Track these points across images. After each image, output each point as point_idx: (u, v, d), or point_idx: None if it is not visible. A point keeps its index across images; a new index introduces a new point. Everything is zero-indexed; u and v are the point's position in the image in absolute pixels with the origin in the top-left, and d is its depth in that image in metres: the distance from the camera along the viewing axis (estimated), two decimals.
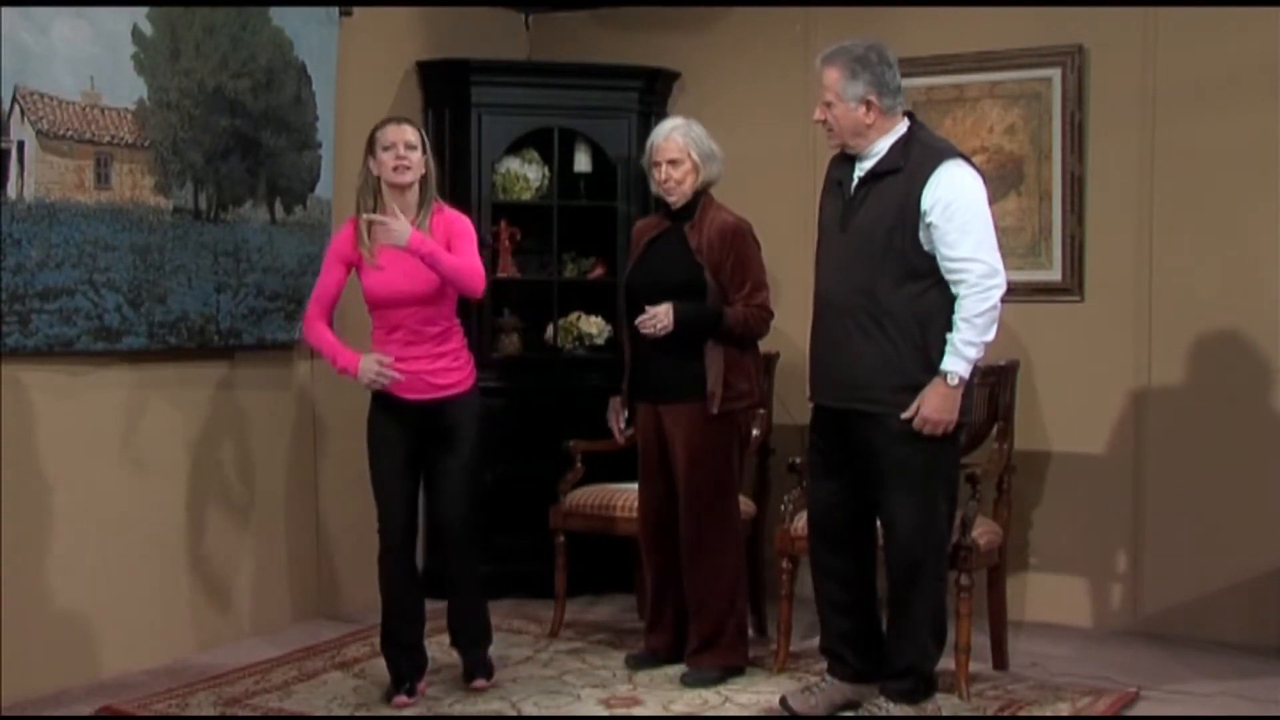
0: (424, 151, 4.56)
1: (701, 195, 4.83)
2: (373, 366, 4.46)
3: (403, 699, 4.59)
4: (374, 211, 4.50)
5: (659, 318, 4.66)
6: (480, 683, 4.76)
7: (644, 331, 4.69)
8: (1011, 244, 5.53)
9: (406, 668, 4.66)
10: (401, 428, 4.57)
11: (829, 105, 4.29)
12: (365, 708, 4.54)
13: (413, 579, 4.71)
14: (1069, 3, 5.50)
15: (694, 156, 4.78)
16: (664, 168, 4.81)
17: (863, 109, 4.24)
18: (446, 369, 4.57)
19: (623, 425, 5.02)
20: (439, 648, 5.10)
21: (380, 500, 4.62)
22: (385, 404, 4.57)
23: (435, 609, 4.80)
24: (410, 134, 4.53)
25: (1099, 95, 5.51)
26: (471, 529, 4.67)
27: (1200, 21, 5.30)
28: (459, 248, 4.53)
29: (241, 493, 5.38)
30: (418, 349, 4.53)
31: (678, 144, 4.79)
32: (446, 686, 4.76)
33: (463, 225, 4.61)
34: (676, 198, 4.83)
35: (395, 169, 4.48)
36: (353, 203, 5.64)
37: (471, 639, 4.79)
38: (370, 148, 4.54)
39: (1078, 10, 5.49)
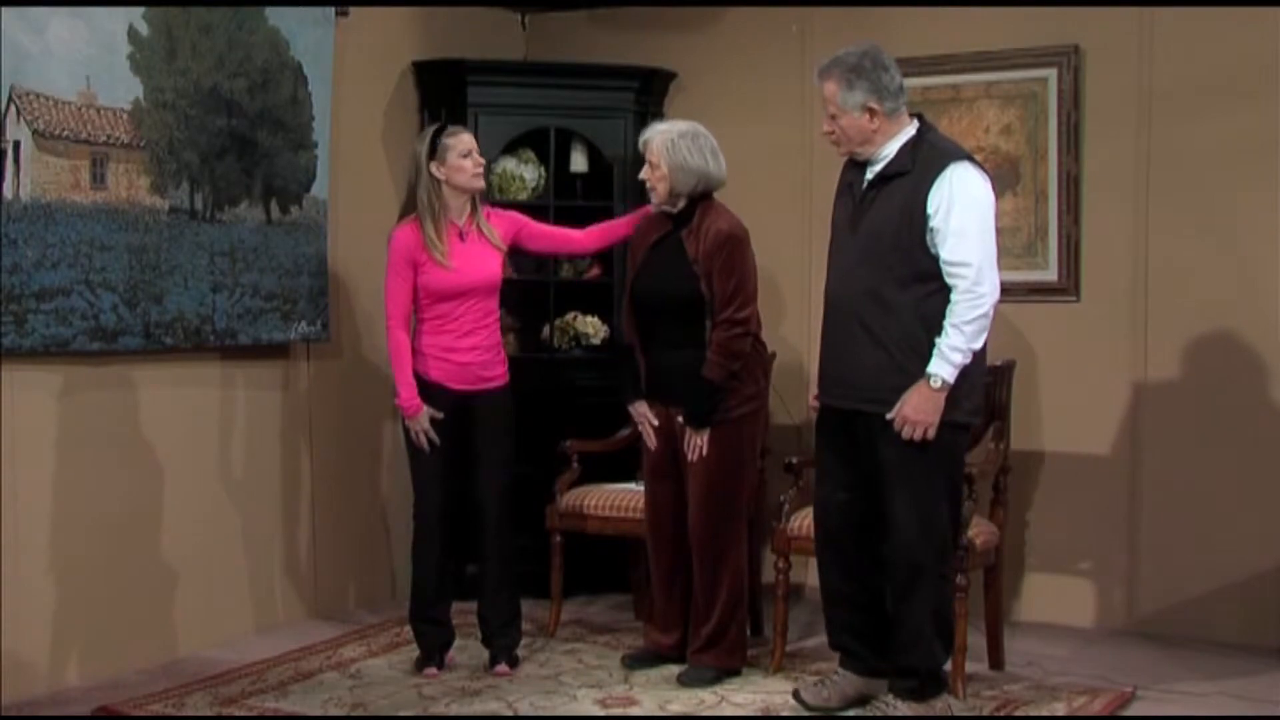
0: None
1: (700, 200, 4.79)
2: (424, 424, 4.73)
3: (433, 670, 4.85)
4: (437, 213, 4.74)
5: (698, 446, 4.72)
6: (502, 668, 4.87)
7: (694, 460, 4.75)
8: (1008, 244, 5.52)
9: (436, 641, 4.90)
10: (443, 416, 4.77)
11: (833, 117, 4.30)
12: (362, 708, 4.54)
13: (446, 560, 4.90)
14: (1065, 3, 5.50)
15: (664, 166, 4.76)
16: (646, 166, 4.83)
17: (866, 116, 4.25)
18: (491, 362, 4.86)
19: (656, 424, 4.90)
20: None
21: (419, 483, 4.87)
22: (429, 393, 4.76)
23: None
24: (474, 142, 4.86)
25: (1095, 95, 5.51)
26: (509, 511, 4.90)
27: (1197, 21, 5.30)
28: (534, 228, 4.97)
29: (237, 492, 5.37)
30: (470, 339, 4.79)
31: (654, 148, 4.79)
32: (444, 687, 4.76)
33: (522, 216, 5.00)
34: (655, 198, 4.83)
35: (476, 175, 4.79)
36: (351, 203, 5.71)
37: (504, 622, 4.93)
38: (436, 153, 4.74)
39: (1074, 10, 5.49)
